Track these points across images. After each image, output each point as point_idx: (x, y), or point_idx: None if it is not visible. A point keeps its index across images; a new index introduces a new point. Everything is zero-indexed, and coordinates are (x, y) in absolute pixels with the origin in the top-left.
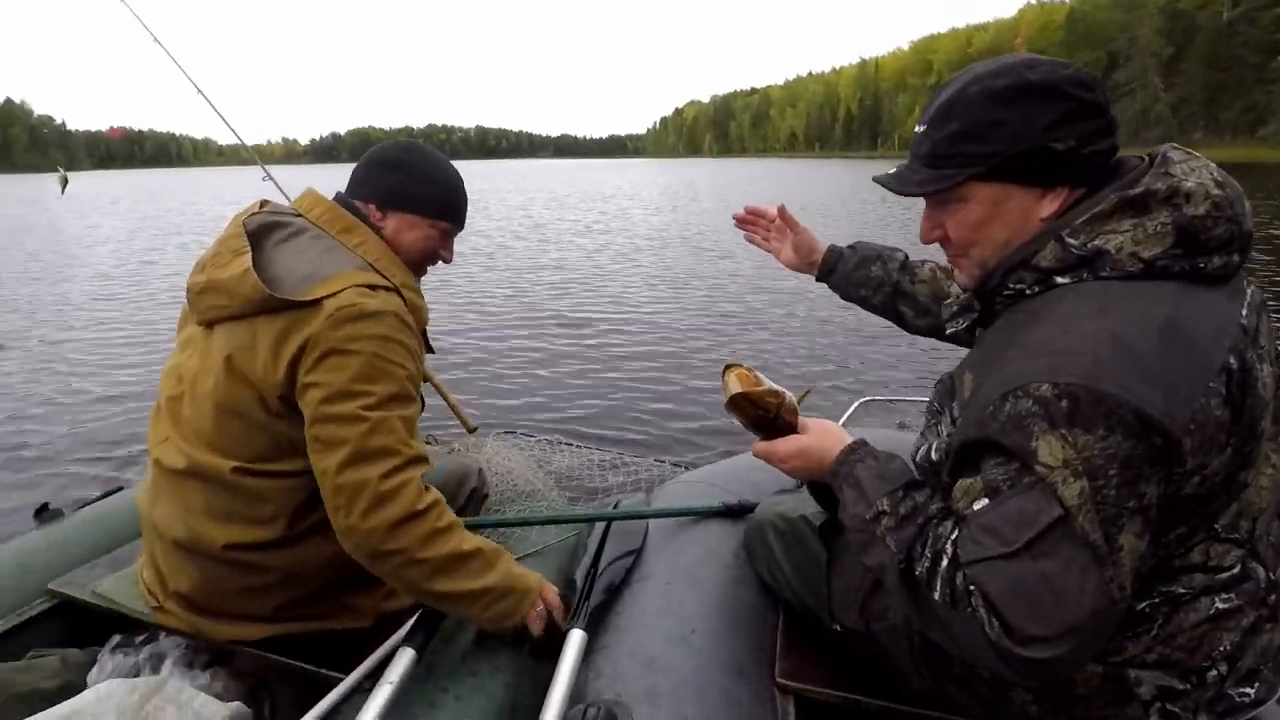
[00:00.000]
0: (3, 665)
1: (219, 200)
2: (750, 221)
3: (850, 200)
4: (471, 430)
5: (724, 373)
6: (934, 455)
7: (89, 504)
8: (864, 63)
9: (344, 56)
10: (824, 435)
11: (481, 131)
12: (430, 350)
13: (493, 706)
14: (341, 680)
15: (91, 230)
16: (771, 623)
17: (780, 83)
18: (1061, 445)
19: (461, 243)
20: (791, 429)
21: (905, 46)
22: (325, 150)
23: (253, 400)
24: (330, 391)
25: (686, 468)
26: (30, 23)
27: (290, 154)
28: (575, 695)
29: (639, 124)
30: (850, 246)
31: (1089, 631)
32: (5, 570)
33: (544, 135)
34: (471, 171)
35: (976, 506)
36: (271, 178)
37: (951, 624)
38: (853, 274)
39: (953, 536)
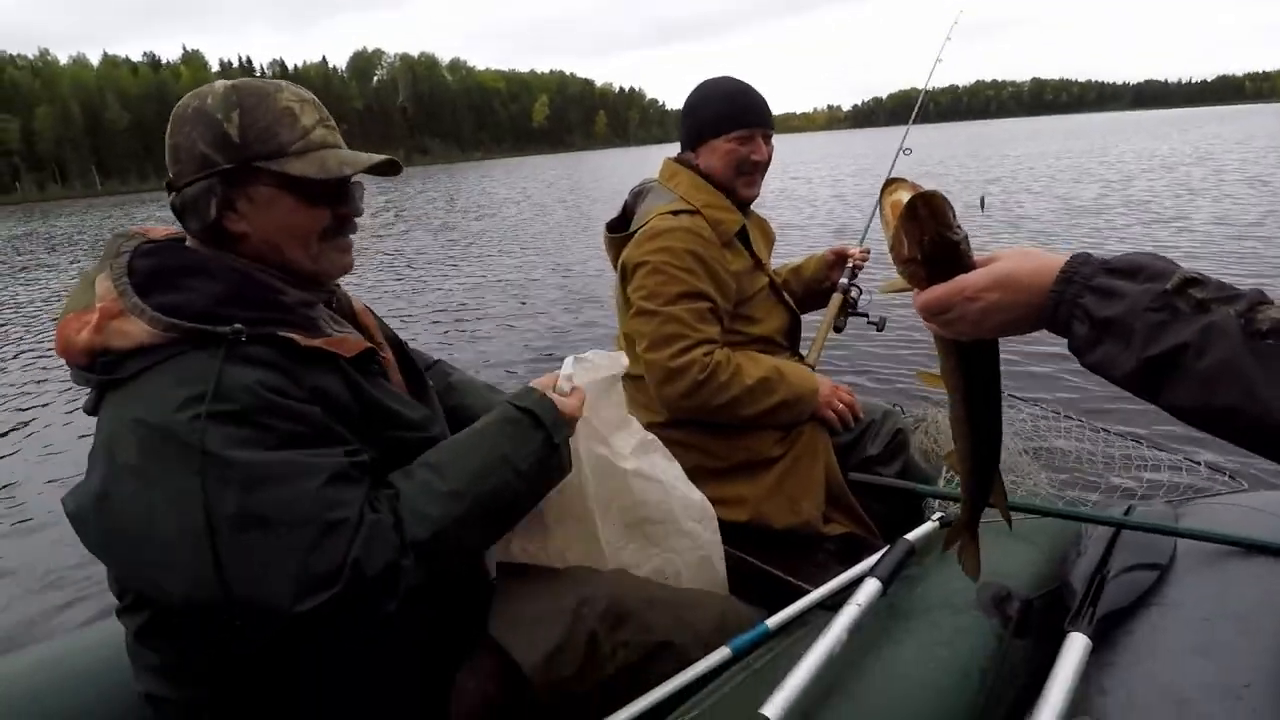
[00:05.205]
0: None
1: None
2: None
3: None
4: None
5: (884, 190)
6: None
7: None
8: None
9: (889, 20)
10: (1028, 256)
11: (1038, 84)
12: (757, 257)
13: (957, 664)
14: (804, 589)
15: None
16: None
17: None
18: None
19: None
20: (973, 268)
21: None
22: (865, 115)
23: (623, 314)
24: (639, 295)
25: (1230, 476)
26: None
27: (832, 120)
28: (1073, 705)
29: (1269, 56)
30: None
31: None
32: None
33: (1119, 83)
34: (1012, 131)
35: None
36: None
37: None
38: None
39: None
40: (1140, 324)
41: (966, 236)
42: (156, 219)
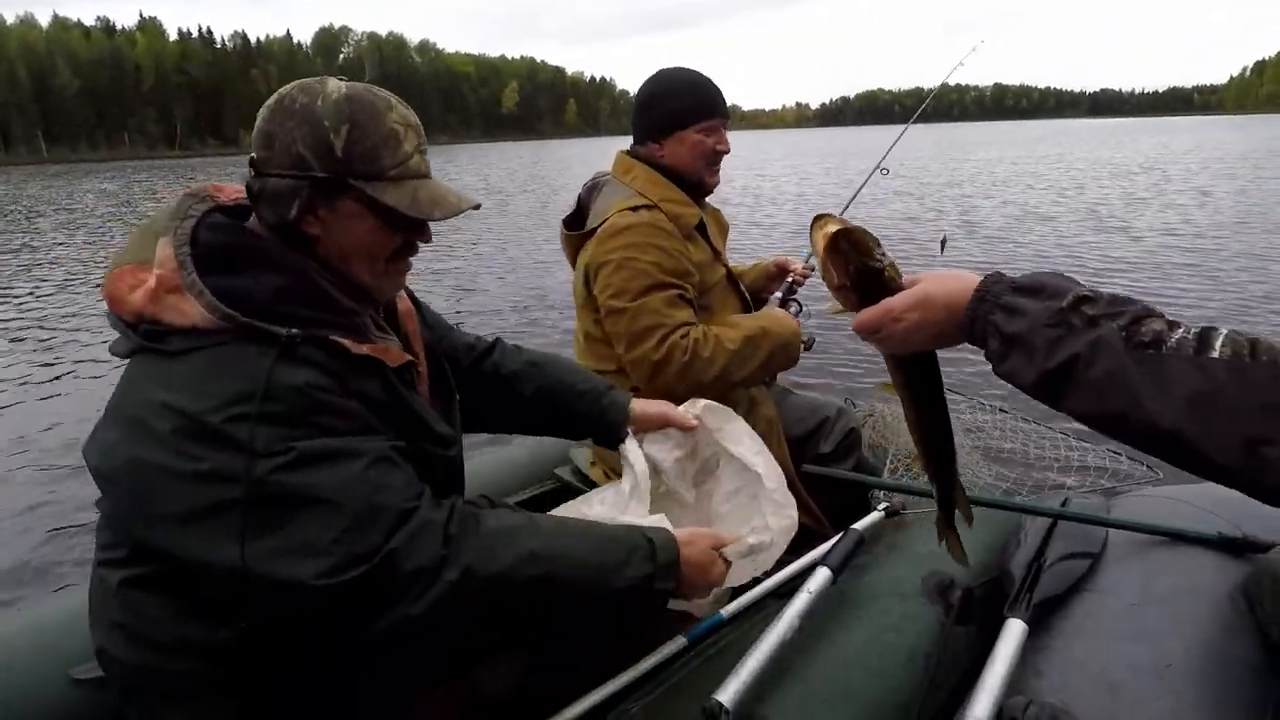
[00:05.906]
0: None
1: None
2: None
3: None
4: None
5: (814, 225)
6: None
7: None
8: None
9: (857, 19)
10: (948, 278)
11: (999, 90)
12: (715, 248)
13: (903, 648)
14: (757, 578)
15: None
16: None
17: None
18: None
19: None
20: (900, 290)
21: None
22: (832, 114)
23: (584, 313)
24: (606, 294)
25: (1148, 467)
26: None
27: (800, 118)
28: (1010, 687)
29: (1216, 71)
30: None
31: None
32: (520, 458)
33: (1076, 91)
34: (975, 136)
35: None
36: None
37: (1227, 390)
38: None
39: None
40: (1040, 339)
41: (893, 263)
42: (99, 191)
